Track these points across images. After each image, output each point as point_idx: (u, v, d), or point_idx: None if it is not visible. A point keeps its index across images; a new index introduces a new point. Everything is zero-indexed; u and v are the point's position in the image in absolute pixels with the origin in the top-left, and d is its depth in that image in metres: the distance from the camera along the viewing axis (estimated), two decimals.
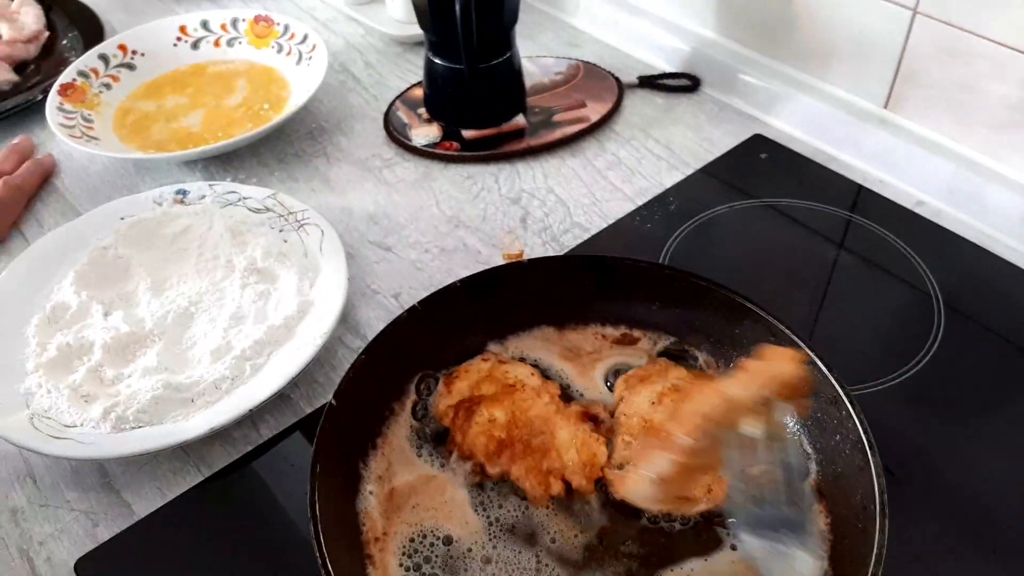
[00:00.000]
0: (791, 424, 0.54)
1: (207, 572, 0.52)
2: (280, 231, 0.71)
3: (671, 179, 0.77)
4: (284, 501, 0.55)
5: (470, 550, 0.49)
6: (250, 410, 0.57)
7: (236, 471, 0.57)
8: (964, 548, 0.51)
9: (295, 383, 0.61)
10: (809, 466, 0.52)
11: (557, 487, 0.52)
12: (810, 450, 0.52)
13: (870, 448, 0.47)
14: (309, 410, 0.60)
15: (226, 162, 0.83)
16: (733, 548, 0.49)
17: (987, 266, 0.69)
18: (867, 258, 0.70)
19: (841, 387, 0.50)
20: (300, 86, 0.89)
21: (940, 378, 0.60)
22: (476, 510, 0.52)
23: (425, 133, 0.83)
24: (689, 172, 0.78)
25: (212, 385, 0.59)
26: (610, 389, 0.58)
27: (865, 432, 0.48)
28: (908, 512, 0.51)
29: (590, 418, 0.55)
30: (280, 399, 0.61)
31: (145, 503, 0.55)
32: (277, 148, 0.85)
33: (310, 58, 0.90)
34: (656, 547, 0.49)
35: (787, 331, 0.54)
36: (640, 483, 0.51)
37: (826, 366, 0.51)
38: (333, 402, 0.51)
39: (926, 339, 0.62)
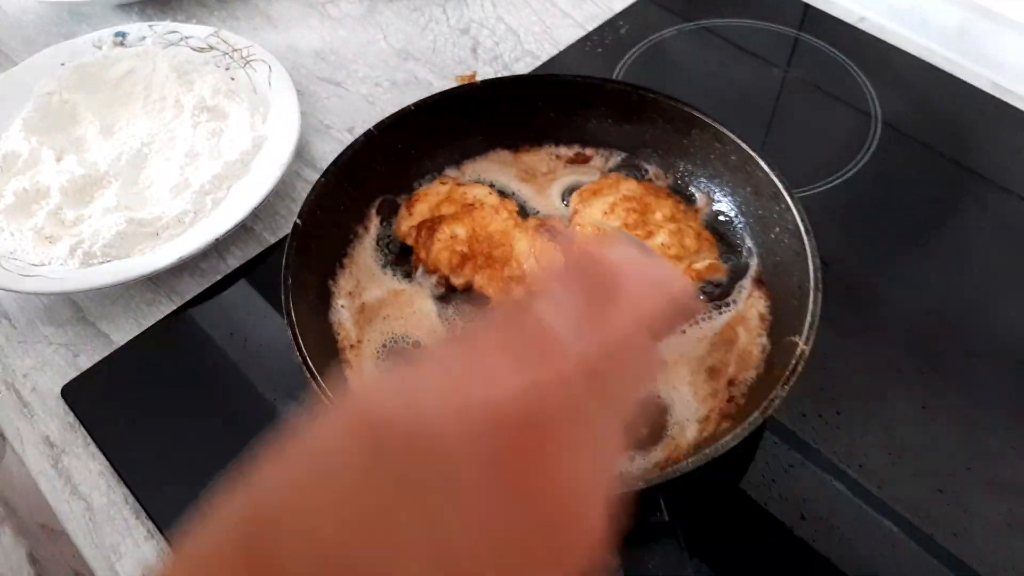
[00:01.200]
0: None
1: (189, 392, 0.55)
2: (226, 69, 0.70)
3: (621, 3, 0.77)
4: (257, 325, 0.57)
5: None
6: (216, 239, 0.58)
7: (208, 299, 0.59)
8: (885, 334, 0.55)
9: (256, 215, 0.62)
10: (751, 262, 0.56)
11: (519, 292, 0.55)
12: (752, 245, 0.56)
13: (806, 233, 0.50)
14: (273, 240, 0.62)
15: (163, 4, 0.80)
16: (683, 331, 0.53)
17: (925, 77, 0.71)
18: (811, 73, 0.72)
19: (781, 182, 0.53)
20: None
21: (872, 182, 0.63)
22: (443, 319, 0.55)
23: None
24: None
25: (175, 219, 0.60)
26: (566, 205, 0.60)
27: (802, 220, 0.51)
28: (835, 296, 0.55)
29: (547, 229, 0.58)
30: (243, 231, 0.62)
31: (122, 333, 0.57)
32: None
33: None
34: None
35: (732, 136, 0.56)
36: None
37: (768, 165, 0.54)
38: (298, 222, 0.52)
39: (860, 147, 0.65)
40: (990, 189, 0.63)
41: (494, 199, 0.59)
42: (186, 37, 0.72)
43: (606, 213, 0.58)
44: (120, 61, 0.70)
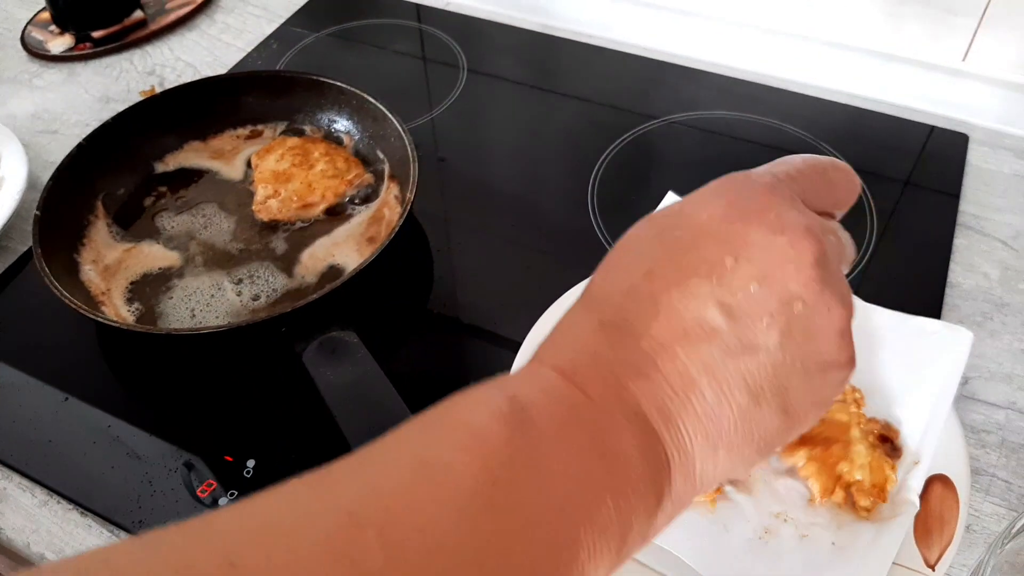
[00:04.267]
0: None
1: None
2: None
3: (271, 28, 1.00)
4: (24, 314, 0.73)
5: (167, 275, 0.71)
6: None
7: None
8: (481, 197, 0.81)
9: (8, 234, 0.78)
10: (384, 166, 0.79)
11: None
12: (382, 155, 0.79)
13: (404, 133, 0.74)
14: (24, 249, 0.78)
15: None
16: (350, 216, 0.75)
17: (494, 32, 0.99)
18: (433, 51, 0.98)
19: (382, 104, 0.77)
20: None
21: (463, 107, 0.89)
22: (170, 248, 0.73)
23: (60, 43, 0.99)
24: (282, 21, 1.01)
25: None
26: (248, 167, 0.81)
27: (400, 125, 0.75)
28: (451, 176, 0.80)
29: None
30: (1, 250, 0.78)
31: None
32: None
33: None
34: (295, 240, 0.74)
35: (347, 86, 0.80)
36: (274, 203, 0.76)
37: (372, 98, 0.78)
38: (37, 212, 0.70)
39: (452, 89, 0.92)
40: (548, 97, 0.91)
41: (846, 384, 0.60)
42: None
43: (278, 160, 0.79)
44: None
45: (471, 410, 0.25)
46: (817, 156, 0.32)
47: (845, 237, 0.32)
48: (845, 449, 0.55)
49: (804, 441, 0.55)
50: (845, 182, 0.33)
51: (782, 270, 0.27)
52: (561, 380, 0.26)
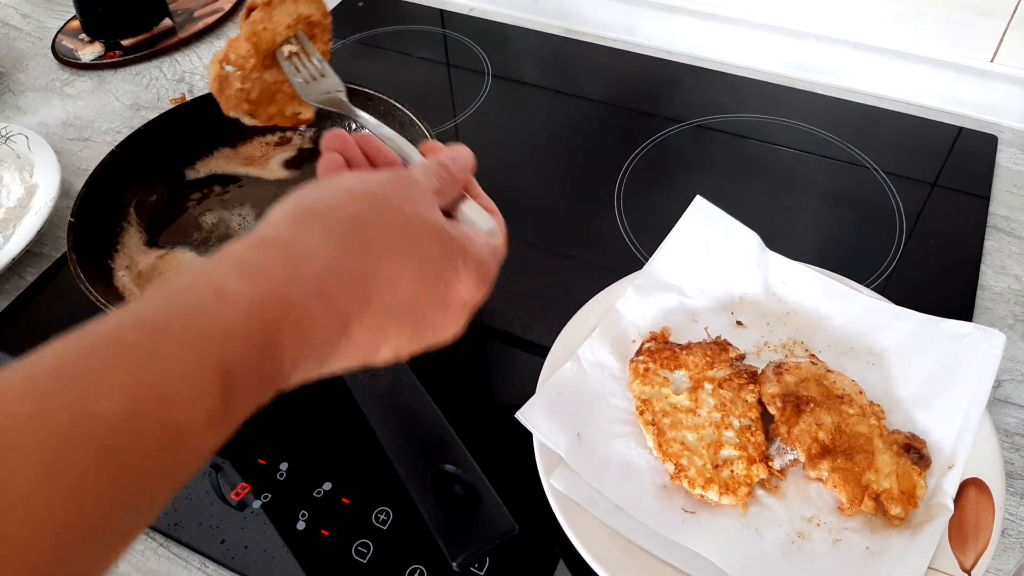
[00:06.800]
0: None
1: None
2: None
3: None
4: (61, 317, 0.74)
5: None
6: (11, 260, 0.75)
7: (17, 309, 0.75)
8: (509, 209, 0.81)
9: (41, 241, 0.79)
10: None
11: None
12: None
13: (430, 135, 0.75)
14: (57, 255, 0.79)
15: None
16: None
17: (518, 37, 1.00)
18: (457, 56, 0.98)
19: (418, 119, 0.77)
20: None
21: (488, 112, 0.90)
22: (203, 256, 0.74)
23: (91, 51, 1.00)
24: None
25: None
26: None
27: (422, 123, 0.75)
28: None
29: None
30: (35, 256, 0.79)
31: None
32: None
33: None
34: None
35: (374, 91, 0.80)
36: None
37: (398, 102, 0.78)
38: (71, 219, 0.71)
39: (479, 93, 0.92)
40: (573, 101, 0.91)
41: (864, 400, 0.58)
42: None
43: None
44: None
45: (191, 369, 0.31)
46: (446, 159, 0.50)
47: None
48: (869, 459, 0.54)
49: (826, 453, 0.55)
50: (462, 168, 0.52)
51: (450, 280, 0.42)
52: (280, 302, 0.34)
